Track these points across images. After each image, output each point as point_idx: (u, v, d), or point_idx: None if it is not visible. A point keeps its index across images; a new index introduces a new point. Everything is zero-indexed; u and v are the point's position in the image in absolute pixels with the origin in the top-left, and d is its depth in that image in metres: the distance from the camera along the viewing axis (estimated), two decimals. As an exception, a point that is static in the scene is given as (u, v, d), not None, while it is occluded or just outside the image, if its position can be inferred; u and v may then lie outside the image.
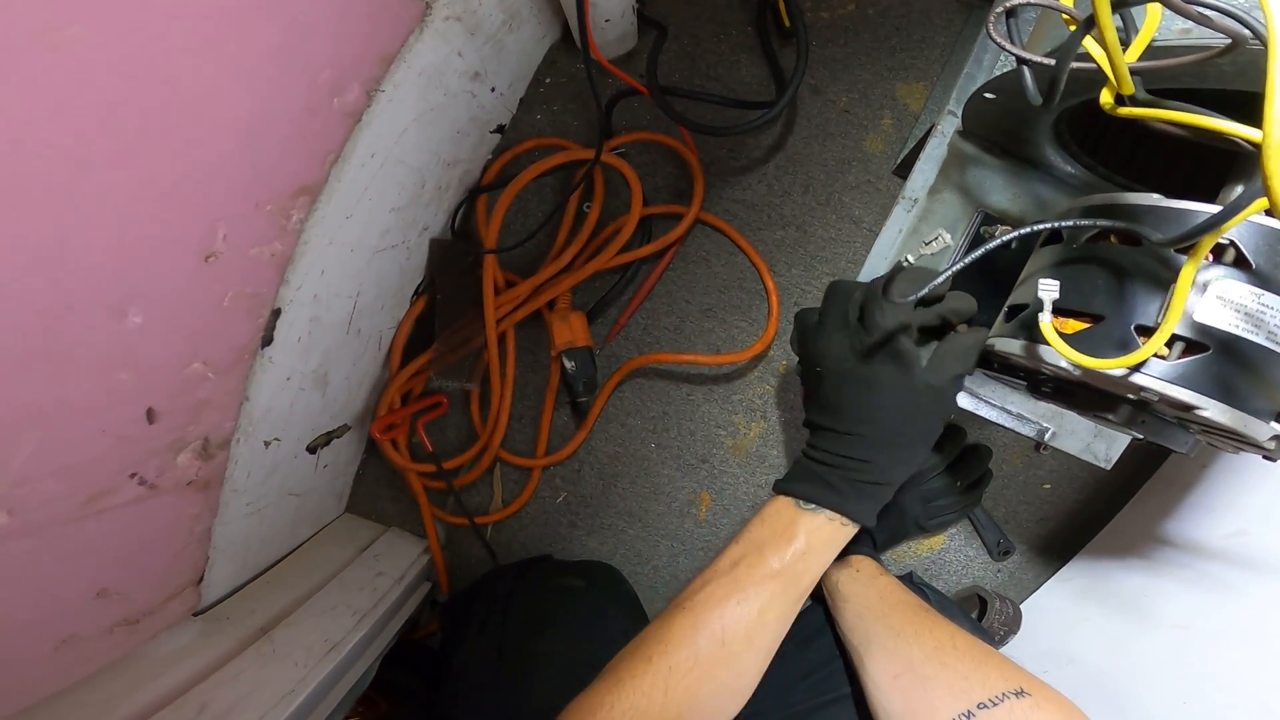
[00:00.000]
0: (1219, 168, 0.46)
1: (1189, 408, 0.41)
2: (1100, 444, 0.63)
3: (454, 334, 0.70)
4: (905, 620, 0.57)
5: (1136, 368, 0.41)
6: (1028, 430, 0.61)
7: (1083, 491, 0.79)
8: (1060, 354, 0.43)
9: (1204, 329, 0.39)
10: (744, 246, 0.73)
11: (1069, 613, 0.78)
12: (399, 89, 0.51)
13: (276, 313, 0.52)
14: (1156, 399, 0.43)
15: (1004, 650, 0.80)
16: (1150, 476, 0.77)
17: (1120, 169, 0.54)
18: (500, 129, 0.73)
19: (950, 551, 0.81)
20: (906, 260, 0.38)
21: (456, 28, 0.54)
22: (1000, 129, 0.55)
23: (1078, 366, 0.42)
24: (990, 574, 0.83)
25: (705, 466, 0.79)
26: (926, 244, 0.40)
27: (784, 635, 0.48)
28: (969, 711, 0.46)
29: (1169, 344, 0.41)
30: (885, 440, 0.47)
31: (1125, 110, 0.37)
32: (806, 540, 0.46)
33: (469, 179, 0.72)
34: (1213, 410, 0.40)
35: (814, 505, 0.47)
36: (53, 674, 0.47)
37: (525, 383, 0.77)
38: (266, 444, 0.61)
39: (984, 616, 0.78)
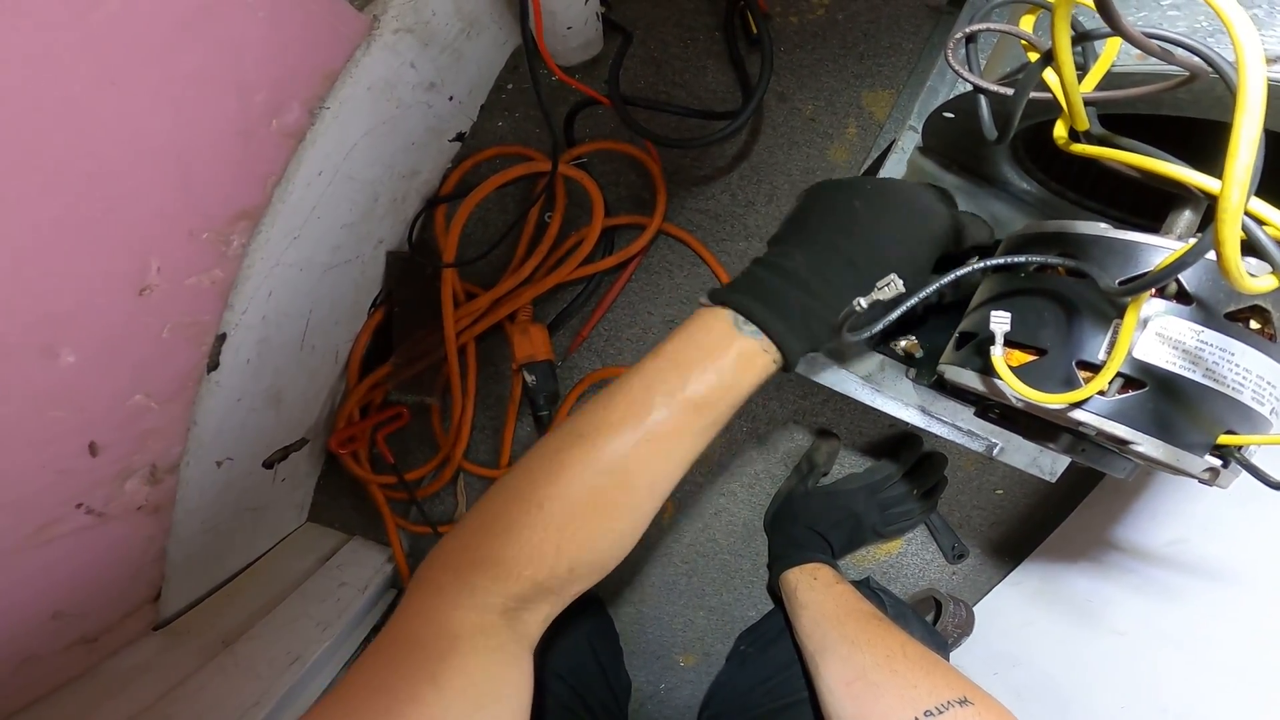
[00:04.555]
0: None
1: (1125, 442, 0.42)
2: (1046, 459, 0.64)
3: (413, 347, 0.69)
4: (859, 628, 0.59)
5: (1077, 404, 0.42)
6: (977, 446, 0.62)
7: (1033, 496, 0.81)
8: (1010, 388, 0.44)
9: (1143, 366, 0.40)
10: (707, 258, 0.72)
11: (1019, 616, 0.80)
12: (345, 105, 0.50)
13: (221, 338, 0.51)
14: (1094, 433, 0.44)
15: (957, 652, 0.82)
16: (1097, 483, 0.79)
17: (1075, 186, 0.55)
18: (460, 137, 0.71)
19: (907, 556, 0.83)
20: (859, 305, 0.38)
21: (408, 39, 0.52)
22: (959, 147, 0.55)
23: (1023, 399, 0.43)
24: (945, 577, 0.85)
25: (669, 475, 0.79)
26: (879, 288, 0.40)
27: (685, 475, 0.40)
28: (916, 719, 0.47)
29: (1113, 380, 0.42)
30: (874, 257, 0.39)
31: (1078, 147, 0.37)
32: (735, 370, 0.38)
33: (427, 189, 0.71)
34: (1147, 446, 0.41)
35: (754, 329, 0.38)
36: (14, 692, 0.48)
37: (487, 393, 0.76)
38: (219, 464, 0.60)
39: (939, 619, 0.80)
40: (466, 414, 0.72)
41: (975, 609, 0.84)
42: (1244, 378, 0.40)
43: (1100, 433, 0.44)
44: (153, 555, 0.57)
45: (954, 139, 0.53)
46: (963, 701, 0.49)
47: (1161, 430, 0.41)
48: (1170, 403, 0.41)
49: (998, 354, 0.45)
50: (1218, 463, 0.42)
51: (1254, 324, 0.41)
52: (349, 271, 0.64)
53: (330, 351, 0.68)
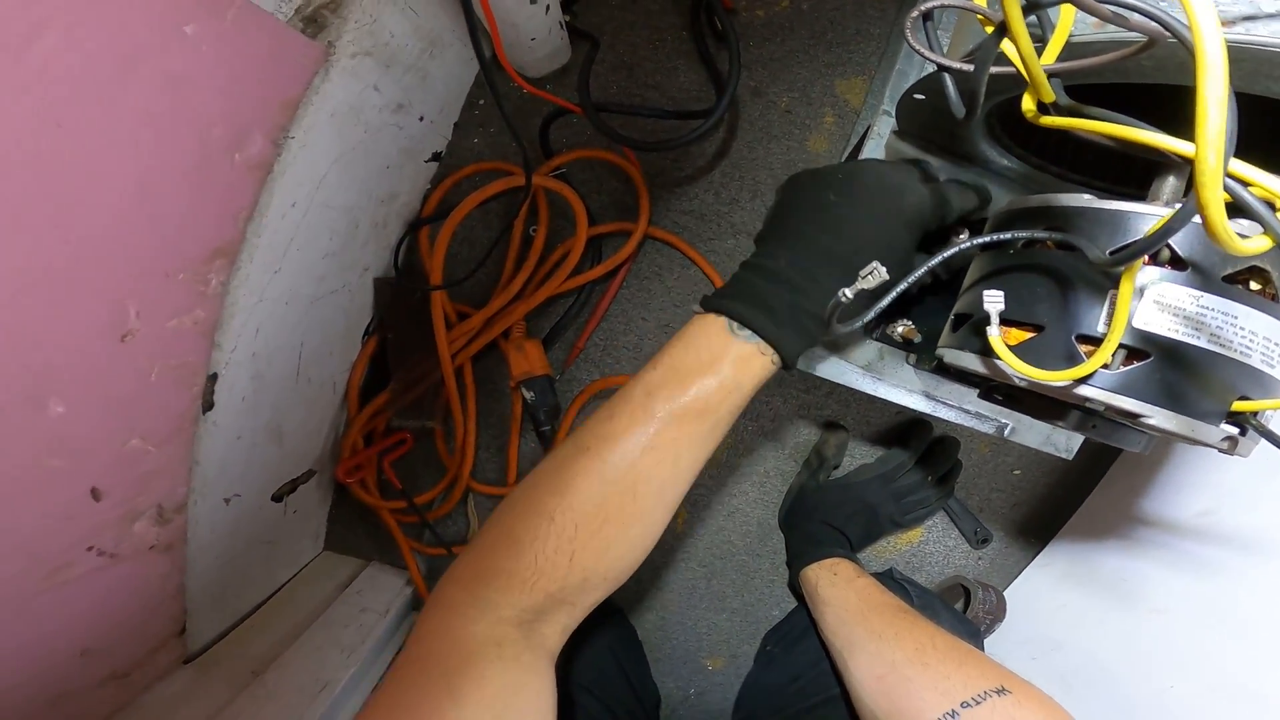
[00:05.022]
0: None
1: (1135, 416, 0.40)
2: (1060, 437, 0.62)
3: (410, 372, 0.69)
4: (885, 622, 0.57)
5: (1082, 379, 0.41)
6: (987, 428, 0.60)
7: (1052, 474, 0.79)
8: (1010, 368, 0.43)
9: (1145, 335, 0.39)
10: (696, 259, 0.71)
11: (1051, 598, 0.78)
12: (311, 133, 0.50)
13: (213, 377, 0.51)
14: (1103, 408, 0.42)
15: (991, 638, 0.80)
16: (1117, 457, 0.77)
17: (1055, 159, 0.53)
18: (436, 156, 0.71)
19: (929, 544, 0.81)
20: (845, 295, 0.38)
21: (368, 63, 0.52)
22: (934, 128, 0.54)
23: (1025, 378, 0.42)
24: (971, 563, 0.83)
25: (677, 480, 0.78)
26: (863, 276, 0.39)
27: (694, 481, 0.41)
28: (953, 710, 0.46)
29: (1116, 352, 0.40)
30: (851, 251, 0.40)
31: (1048, 120, 0.36)
32: (733, 373, 0.38)
33: (408, 211, 0.70)
34: (1159, 418, 0.40)
35: (749, 332, 0.39)
36: (54, 729, 0.48)
37: (489, 413, 0.76)
38: (227, 501, 0.60)
39: (969, 607, 0.78)
40: (469, 435, 0.72)
41: (1006, 594, 0.82)
42: (1251, 340, 0.38)
43: (1109, 408, 0.42)
44: (171, 591, 0.57)
45: (927, 120, 0.52)
46: (1000, 691, 0.47)
47: (1172, 401, 0.40)
48: (1178, 371, 0.40)
49: (994, 334, 0.44)
50: (1235, 431, 0.40)
51: (1254, 285, 0.40)
52: (337, 301, 0.64)
53: (327, 382, 0.68)
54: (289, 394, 0.62)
